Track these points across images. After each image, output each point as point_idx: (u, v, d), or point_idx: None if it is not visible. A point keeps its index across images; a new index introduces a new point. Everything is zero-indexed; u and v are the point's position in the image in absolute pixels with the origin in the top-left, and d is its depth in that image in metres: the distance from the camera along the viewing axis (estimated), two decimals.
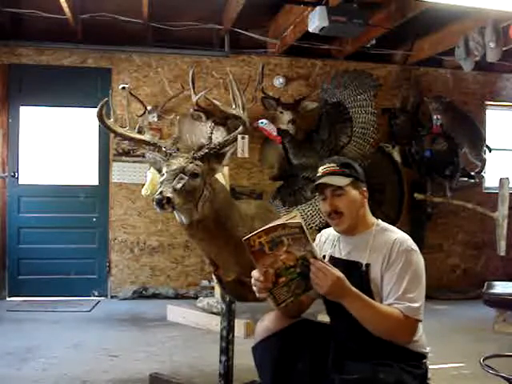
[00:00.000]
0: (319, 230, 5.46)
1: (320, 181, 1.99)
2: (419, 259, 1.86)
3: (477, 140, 5.92)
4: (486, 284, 4.54)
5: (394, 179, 5.45)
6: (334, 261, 1.99)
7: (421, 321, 1.81)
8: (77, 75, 5.37)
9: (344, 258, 1.97)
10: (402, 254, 1.83)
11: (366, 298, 1.77)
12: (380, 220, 2.01)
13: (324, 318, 1.90)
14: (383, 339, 1.78)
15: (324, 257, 2.04)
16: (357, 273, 1.88)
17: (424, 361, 1.89)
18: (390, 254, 1.84)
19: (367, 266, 1.87)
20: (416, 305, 1.78)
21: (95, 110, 2.45)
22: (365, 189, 1.99)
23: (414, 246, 1.87)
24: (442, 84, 6.10)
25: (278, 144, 5.16)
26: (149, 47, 5.43)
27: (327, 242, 2.09)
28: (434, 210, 5.84)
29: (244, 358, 3.07)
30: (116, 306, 5.12)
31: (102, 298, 5.38)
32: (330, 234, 2.09)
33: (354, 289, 1.74)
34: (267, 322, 2.01)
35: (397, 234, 1.90)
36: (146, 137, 2.63)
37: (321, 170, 1.99)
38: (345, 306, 1.76)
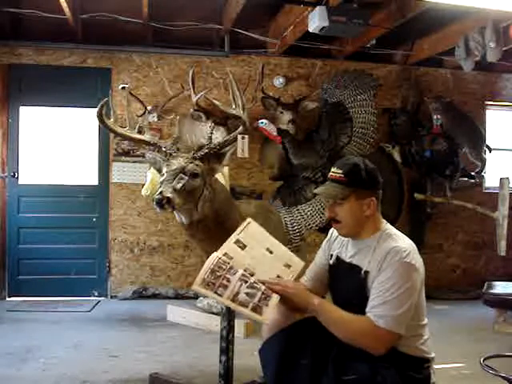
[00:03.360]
0: (319, 230, 5.45)
1: (317, 191, 2.02)
2: (411, 273, 1.79)
3: (477, 140, 5.91)
4: (485, 284, 4.54)
5: (394, 179, 5.45)
6: (339, 261, 2.01)
7: (397, 334, 1.76)
8: (77, 75, 5.36)
9: (348, 260, 1.97)
10: (393, 264, 1.79)
11: (328, 305, 1.82)
12: (389, 225, 1.98)
13: None
14: None
15: (331, 256, 2.05)
16: (356, 278, 1.88)
17: (426, 365, 1.88)
18: (383, 262, 1.81)
19: (366, 273, 1.86)
20: (392, 317, 1.74)
21: (95, 110, 2.45)
22: (372, 198, 1.92)
23: (410, 259, 1.80)
24: (441, 84, 6.10)
25: (277, 144, 5.16)
26: (149, 47, 5.43)
27: (338, 239, 2.08)
28: (434, 210, 5.84)
29: (244, 358, 3.09)
30: (116, 306, 5.11)
31: (102, 298, 5.38)
32: None
33: (314, 299, 1.80)
34: (275, 316, 2.00)
35: (396, 243, 1.85)
36: (146, 137, 2.64)
37: (330, 172, 1.99)
38: (313, 311, 1.81)
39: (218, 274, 1.78)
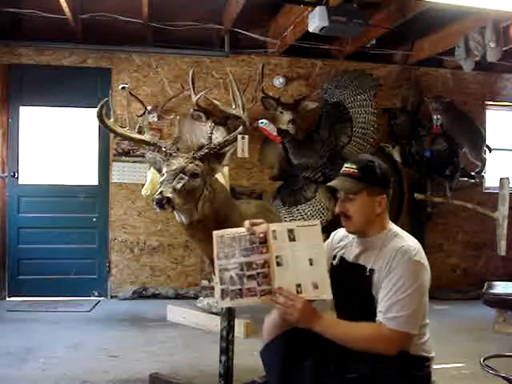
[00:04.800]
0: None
1: (331, 183, 2.00)
2: (420, 271, 1.80)
3: (477, 140, 5.91)
4: (486, 284, 4.55)
5: (394, 179, 5.44)
6: (342, 262, 2.00)
7: (412, 334, 1.76)
8: (77, 75, 5.36)
9: (352, 260, 1.97)
10: (402, 263, 1.79)
11: (331, 323, 1.81)
12: (394, 225, 1.98)
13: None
14: None
15: (335, 257, 2.04)
16: (361, 277, 1.88)
17: (426, 364, 1.88)
18: (392, 261, 1.81)
19: (371, 271, 1.86)
20: (404, 317, 1.74)
21: (95, 110, 2.45)
22: (383, 196, 1.92)
23: (419, 257, 1.81)
24: (442, 84, 6.10)
25: (277, 144, 5.16)
26: (149, 47, 5.43)
27: (342, 241, 2.06)
28: (434, 210, 5.84)
29: (244, 358, 3.09)
30: (116, 306, 5.11)
31: (102, 298, 5.38)
32: (346, 234, 2.04)
33: (316, 325, 1.78)
34: (275, 316, 2.00)
35: (405, 242, 1.85)
36: (146, 137, 2.63)
37: (343, 168, 1.98)
38: (318, 330, 1.79)
39: (233, 244, 1.82)
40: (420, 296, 1.79)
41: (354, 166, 1.94)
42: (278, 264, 1.81)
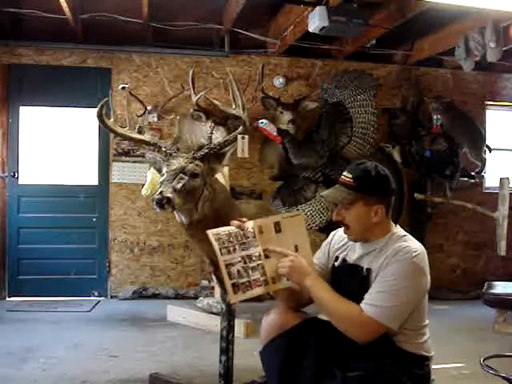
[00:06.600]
0: (319, 230, 5.43)
1: (324, 193, 2.02)
2: (416, 274, 1.80)
3: (477, 140, 5.91)
4: (486, 284, 4.55)
5: (394, 179, 5.44)
6: (344, 263, 2.01)
7: (385, 326, 1.76)
8: (77, 75, 5.37)
9: (353, 262, 1.97)
10: (399, 261, 1.80)
11: (322, 284, 1.86)
12: (400, 228, 1.98)
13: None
14: (384, 340, 1.79)
15: (337, 258, 2.04)
16: (358, 277, 1.89)
17: (426, 363, 1.89)
18: (391, 258, 1.82)
19: (368, 270, 1.87)
20: (382, 308, 1.75)
21: (95, 110, 2.45)
22: (380, 206, 1.90)
23: (418, 260, 1.81)
24: (441, 84, 6.10)
25: (277, 144, 5.17)
26: (149, 47, 5.43)
27: (343, 241, 2.06)
28: (434, 210, 5.84)
29: (244, 358, 3.09)
30: (116, 306, 5.12)
31: (102, 298, 5.38)
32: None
33: (310, 275, 1.85)
34: (274, 316, 2.01)
35: (408, 243, 1.86)
36: (146, 137, 2.63)
37: (341, 175, 1.98)
38: (307, 285, 1.84)
39: (231, 239, 1.88)
40: (406, 295, 1.78)
41: (350, 176, 1.93)
42: (267, 256, 1.89)
